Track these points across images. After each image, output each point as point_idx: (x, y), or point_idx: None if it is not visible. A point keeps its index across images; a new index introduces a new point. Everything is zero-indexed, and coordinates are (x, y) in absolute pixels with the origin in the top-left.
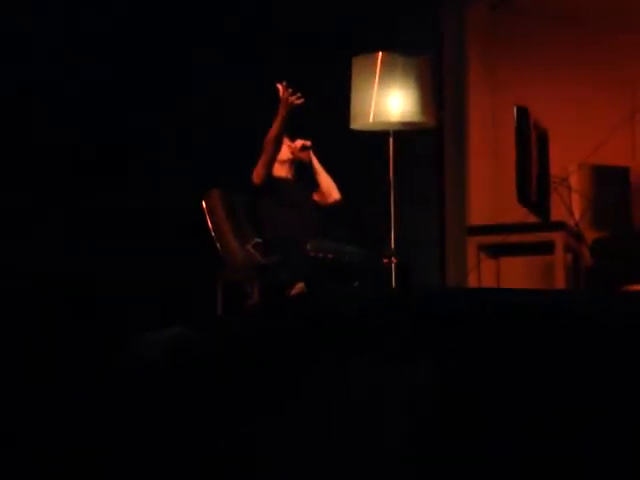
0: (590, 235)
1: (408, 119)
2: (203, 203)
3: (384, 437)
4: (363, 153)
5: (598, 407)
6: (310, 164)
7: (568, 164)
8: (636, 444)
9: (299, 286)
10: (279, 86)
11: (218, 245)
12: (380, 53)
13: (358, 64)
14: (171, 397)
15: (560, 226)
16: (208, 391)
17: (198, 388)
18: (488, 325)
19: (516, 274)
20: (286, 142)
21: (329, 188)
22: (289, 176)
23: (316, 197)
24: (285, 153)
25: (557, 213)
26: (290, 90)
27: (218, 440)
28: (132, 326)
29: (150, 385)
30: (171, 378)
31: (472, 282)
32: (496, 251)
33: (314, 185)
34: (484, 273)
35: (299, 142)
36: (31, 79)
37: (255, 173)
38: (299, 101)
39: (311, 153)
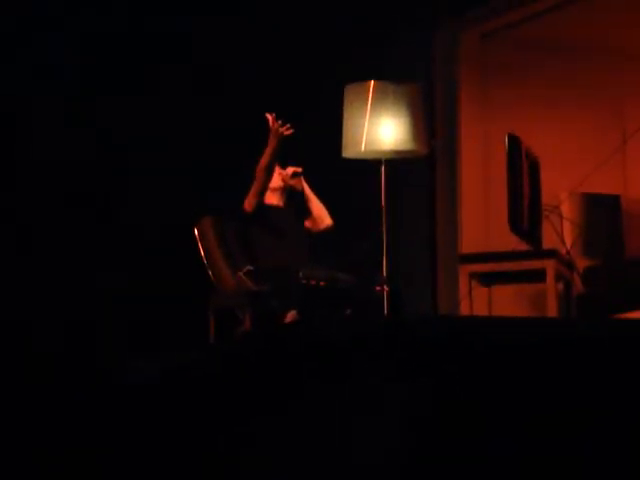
0: (582, 263)
1: (400, 147)
2: (195, 230)
3: (378, 456)
4: (355, 181)
5: (589, 433)
6: (301, 191)
7: (559, 192)
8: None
9: (291, 314)
10: (268, 116)
11: (210, 272)
12: (372, 82)
13: (350, 92)
14: (161, 419)
15: (551, 254)
16: (198, 414)
17: (188, 411)
18: (479, 352)
19: (508, 302)
20: (277, 170)
21: (321, 214)
22: (280, 204)
23: (308, 223)
24: (276, 181)
25: (549, 241)
26: (280, 121)
27: (209, 460)
28: (125, 351)
29: (143, 407)
30: (162, 401)
31: (464, 310)
32: (488, 279)
33: (306, 212)
34: (476, 301)
35: (290, 169)
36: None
37: (247, 201)
38: (289, 132)
39: (302, 180)
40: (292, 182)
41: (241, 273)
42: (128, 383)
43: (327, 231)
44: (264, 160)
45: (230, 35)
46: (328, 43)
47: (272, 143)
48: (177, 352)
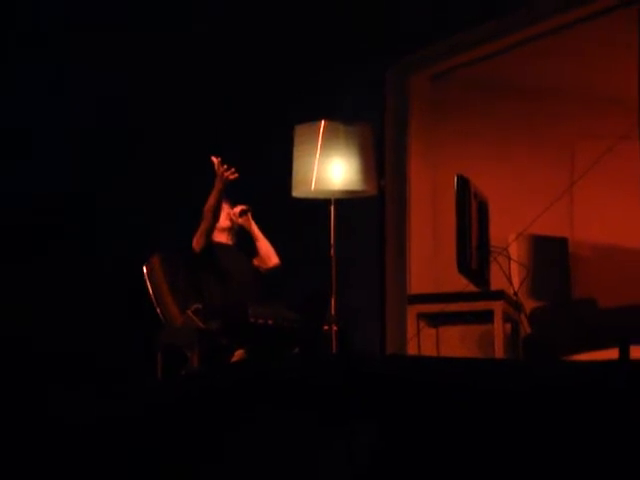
0: (529, 304)
1: (350, 187)
2: (144, 268)
3: None
4: (304, 220)
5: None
6: (249, 229)
7: (507, 234)
8: None
9: (239, 353)
10: (214, 160)
11: (158, 310)
12: (322, 122)
13: (300, 132)
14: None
15: (499, 295)
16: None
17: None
18: (426, 392)
19: (455, 343)
20: (226, 208)
21: (268, 253)
22: (229, 242)
23: (256, 262)
24: (225, 220)
25: (496, 282)
26: (225, 166)
27: None
28: (70, 388)
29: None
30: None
31: (412, 350)
32: (436, 320)
33: (254, 250)
34: (424, 341)
35: (238, 208)
36: None
37: (195, 241)
38: (233, 176)
39: (250, 218)
40: (240, 220)
41: (189, 311)
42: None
43: (274, 269)
44: (210, 201)
45: (181, 75)
46: (279, 83)
47: (218, 185)
48: (123, 389)
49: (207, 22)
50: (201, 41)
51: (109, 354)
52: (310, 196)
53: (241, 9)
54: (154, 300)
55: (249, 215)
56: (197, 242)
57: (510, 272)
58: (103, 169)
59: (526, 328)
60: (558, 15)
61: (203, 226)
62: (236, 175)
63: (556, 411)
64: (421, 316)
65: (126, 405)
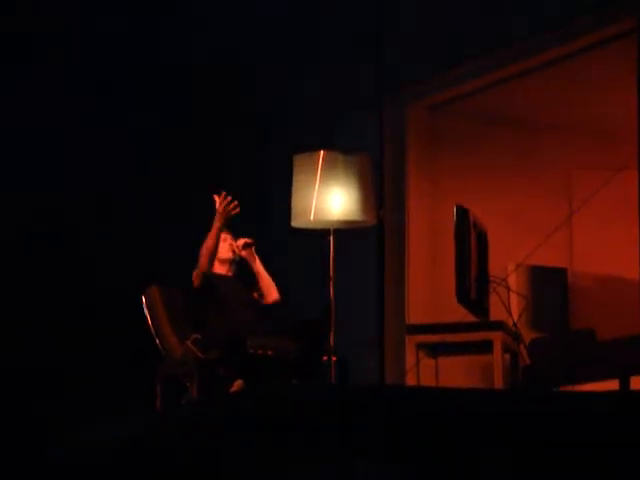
0: (528, 335)
1: (349, 217)
2: (143, 298)
3: None
4: (304, 250)
5: None
6: (251, 263)
7: (507, 264)
8: None
9: (237, 383)
10: (216, 198)
11: (157, 340)
12: (321, 152)
13: (300, 162)
14: None
15: (498, 326)
16: None
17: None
18: (423, 423)
19: (455, 373)
20: (229, 240)
21: (268, 289)
22: (229, 273)
23: (255, 295)
24: (227, 252)
25: (496, 313)
26: (228, 199)
27: None
28: (72, 420)
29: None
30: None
31: (411, 380)
32: (435, 350)
33: (254, 281)
34: (423, 372)
35: (241, 240)
36: None
37: (194, 277)
38: (235, 211)
39: (253, 252)
40: (243, 253)
41: (189, 341)
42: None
43: (274, 305)
44: (209, 243)
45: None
46: (279, 113)
47: (217, 225)
48: (123, 420)
49: (208, 51)
50: (202, 71)
51: (107, 385)
52: (309, 226)
53: (242, 39)
54: (153, 330)
55: (252, 249)
56: (196, 280)
57: (509, 302)
58: (102, 198)
59: (525, 359)
60: (555, 47)
61: (201, 265)
62: (238, 210)
63: (556, 441)
64: (420, 346)
65: (126, 439)
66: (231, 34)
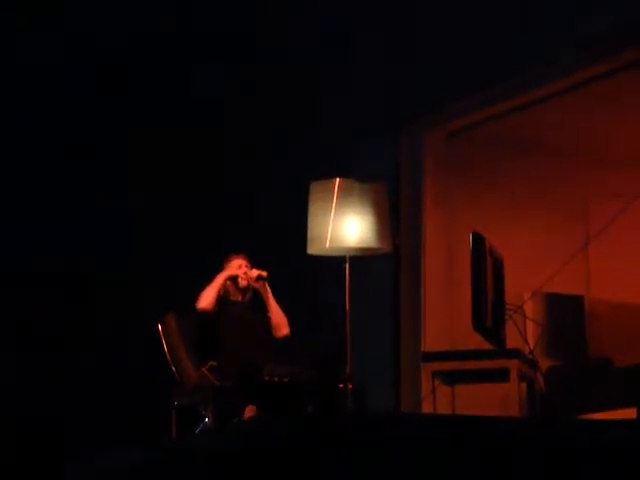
0: (544, 363)
1: (364, 244)
2: (159, 326)
3: None
4: (320, 276)
5: None
6: (264, 295)
7: (523, 292)
8: None
9: (250, 409)
10: (260, 273)
11: (173, 367)
12: (337, 179)
13: (316, 190)
14: None
15: (515, 354)
16: None
17: None
18: (439, 451)
19: (471, 401)
20: (244, 268)
21: (279, 323)
22: (244, 300)
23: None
24: (242, 280)
25: (512, 340)
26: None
27: None
28: (86, 447)
29: None
30: None
31: (426, 408)
32: (451, 378)
33: (266, 308)
34: (439, 399)
35: (255, 272)
36: None
37: (202, 300)
38: (257, 284)
39: (266, 285)
40: (257, 285)
41: (204, 368)
42: None
43: (284, 339)
44: (214, 287)
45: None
46: (295, 141)
47: (224, 276)
48: (138, 448)
49: (222, 85)
50: (215, 103)
51: (123, 414)
52: (325, 253)
53: (254, 70)
54: (169, 358)
55: (265, 282)
56: (205, 301)
57: (525, 330)
58: (122, 228)
59: (542, 387)
60: (572, 74)
61: (199, 304)
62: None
63: (573, 470)
64: (436, 374)
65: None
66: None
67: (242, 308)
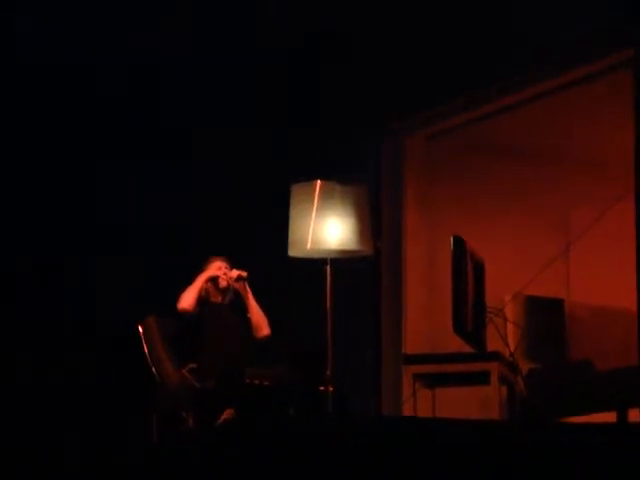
0: (525, 366)
1: (345, 247)
2: (139, 328)
3: None
4: (300, 279)
5: None
6: (244, 295)
7: (504, 295)
8: None
9: (228, 411)
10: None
11: (154, 370)
12: (318, 181)
13: (297, 192)
14: None
15: (495, 356)
16: None
17: None
18: (418, 454)
19: (452, 404)
20: (224, 269)
21: (259, 324)
22: (224, 302)
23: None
24: (222, 281)
25: (492, 343)
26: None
27: None
28: (68, 452)
29: None
30: None
31: (407, 411)
32: (432, 380)
33: (246, 309)
34: (420, 402)
35: (235, 272)
36: None
37: (183, 307)
38: (237, 284)
39: (246, 285)
40: (236, 285)
41: (185, 370)
42: None
43: (264, 340)
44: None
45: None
46: (278, 142)
47: (204, 278)
48: (118, 452)
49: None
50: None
51: (102, 416)
52: (306, 255)
53: (241, 73)
54: (149, 359)
55: (245, 282)
56: (185, 302)
57: (506, 333)
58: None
59: (522, 390)
60: (552, 78)
61: (180, 305)
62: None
63: (552, 474)
64: (417, 377)
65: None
66: None
67: (223, 309)
